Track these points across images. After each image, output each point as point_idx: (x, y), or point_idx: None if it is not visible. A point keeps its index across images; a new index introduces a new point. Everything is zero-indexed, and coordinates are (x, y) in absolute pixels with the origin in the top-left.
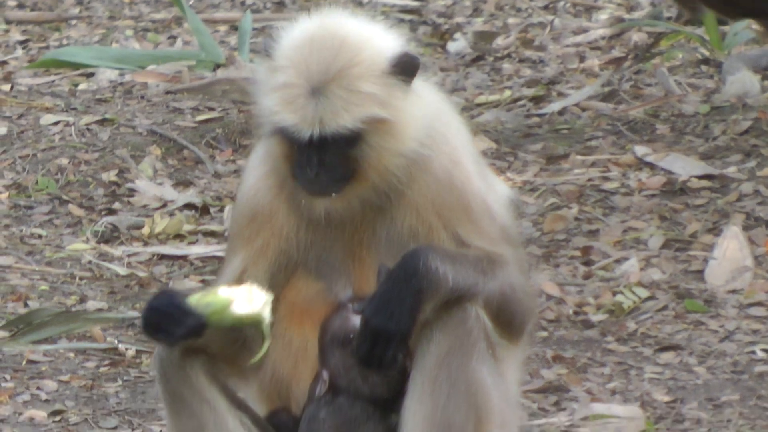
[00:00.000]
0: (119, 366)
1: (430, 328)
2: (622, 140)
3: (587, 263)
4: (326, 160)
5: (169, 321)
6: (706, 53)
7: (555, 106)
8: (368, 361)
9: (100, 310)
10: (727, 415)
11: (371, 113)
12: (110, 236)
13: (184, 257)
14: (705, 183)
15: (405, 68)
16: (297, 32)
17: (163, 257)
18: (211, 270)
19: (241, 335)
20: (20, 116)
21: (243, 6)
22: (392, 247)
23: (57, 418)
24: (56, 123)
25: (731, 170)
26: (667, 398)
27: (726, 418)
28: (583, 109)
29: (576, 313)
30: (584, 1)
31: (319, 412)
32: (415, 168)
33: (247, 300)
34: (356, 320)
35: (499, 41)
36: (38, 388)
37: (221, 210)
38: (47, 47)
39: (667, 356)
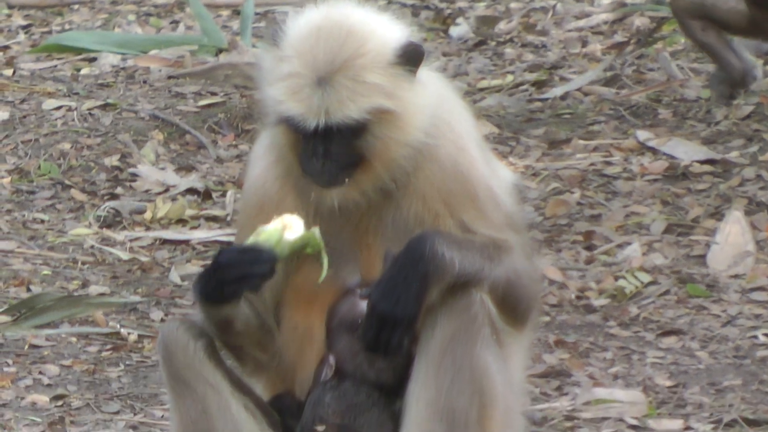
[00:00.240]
0: (121, 350)
1: (435, 314)
2: (624, 125)
3: (589, 248)
4: (332, 150)
5: (245, 267)
6: None
7: (557, 90)
8: (374, 346)
9: (102, 294)
10: (729, 399)
11: (377, 104)
12: (112, 221)
13: (186, 242)
14: (707, 168)
15: (410, 58)
16: (303, 22)
17: (165, 242)
18: (213, 255)
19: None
20: (23, 101)
21: None
22: (399, 233)
23: (59, 403)
24: (58, 108)
25: (733, 155)
26: (669, 383)
27: (728, 403)
28: (586, 94)
29: (578, 297)
30: None
31: (324, 396)
32: (421, 156)
33: (288, 227)
34: (364, 305)
35: (502, 26)
36: (40, 373)
37: (223, 195)
38: (50, 32)
39: (669, 341)
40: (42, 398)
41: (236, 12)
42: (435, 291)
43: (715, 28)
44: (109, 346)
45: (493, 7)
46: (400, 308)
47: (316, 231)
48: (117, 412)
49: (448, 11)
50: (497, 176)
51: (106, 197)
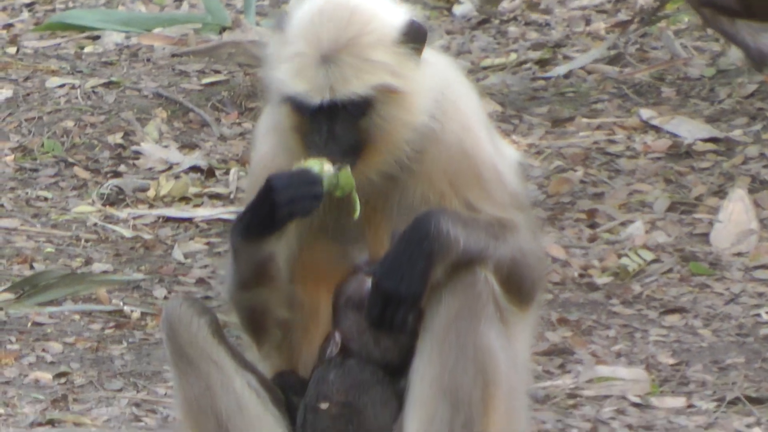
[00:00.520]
0: (124, 328)
1: (439, 291)
2: (627, 103)
3: (592, 226)
4: (336, 130)
5: (301, 188)
6: None
7: (561, 69)
8: (379, 324)
9: (105, 272)
10: (732, 377)
11: (382, 81)
12: (116, 199)
13: (189, 220)
14: (710, 146)
15: (414, 38)
16: (307, 4)
17: (168, 220)
18: (216, 232)
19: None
20: (26, 79)
21: None
22: (405, 213)
23: (62, 380)
24: (62, 86)
25: (737, 133)
26: (672, 361)
27: (731, 381)
28: (589, 72)
29: (581, 275)
30: None
31: (328, 373)
32: (426, 137)
33: (324, 165)
34: (370, 283)
35: (505, 4)
36: (43, 350)
37: (227, 173)
38: (53, 10)
39: (672, 319)
40: (45, 376)
41: None
42: (440, 269)
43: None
44: (112, 324)
45: None
46: (404, 286)
47: (347, 169)
48: (120, 390)
49: None
50: (502, 155)
51: (109, 175)
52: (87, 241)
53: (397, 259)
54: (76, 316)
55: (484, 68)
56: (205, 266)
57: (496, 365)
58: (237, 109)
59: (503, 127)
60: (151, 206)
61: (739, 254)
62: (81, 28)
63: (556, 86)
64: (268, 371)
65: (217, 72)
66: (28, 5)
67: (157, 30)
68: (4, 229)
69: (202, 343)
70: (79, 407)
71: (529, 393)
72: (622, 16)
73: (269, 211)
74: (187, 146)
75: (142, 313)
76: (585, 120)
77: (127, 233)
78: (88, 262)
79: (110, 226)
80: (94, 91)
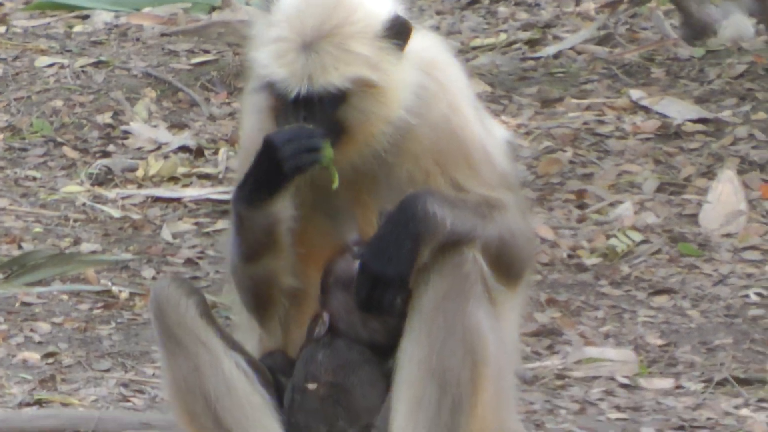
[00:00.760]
0: (113, 308)
1: (427, 272)
2: (617, 84)
3: (581, 207)
4: (313, 117)
5: (303, 141)
6: None
7: (550, 49)
8: (367, 305)
9: (93, 252)
10: (720, 358)
11: (360, 74)
12: (104, 179)
13: (178, 200)
14: (699, 127)
15: (398, 32)
16: None
17: (157, 200)
18: (205, 212)
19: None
20: (15, 58)
21: None
22: (393, 192)
23: (50, 360)
24: (51, 65)
25: (726, 114)
26: (660, 342)
27: (719, 362)
28: (579, 53)
29: (570, 256)
30: None
31: (317, 353)
32: (411, 120)
33: None
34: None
35: None
36: (32, 330)
37: (216, 153)
38: None
39: (660, 300)
40: (33, 356)
41: None
42: (427, 250)
43: None
44: (100, 304)
45: None
46: (391, 267)
47: (327, 141)
48: (108, 370)
49: None
50: (491, 135)
51: (98, 155)
52: (75, 221)
53: (383, 240)
54: (65, 296)
55: (474, 48)
56: (194, 246)
57: (485, 346)
58: (226, 89)
59: (493, 107)
60: (140, 186)
61: (727, 235)
62: (70, 8)
63: (546, 66)
64: (256, 352)
65: (207, 52)
66: None
67: (146, 9)
68: None
69: (191, 324)
70: (67, 387)
71: (517, 374)
72: None
73: (275, 168)
74: (176, 126)
75: (131, 294)
76: (574, 100)
77: (116, 213)
78: (77, 242)
79: (99, 206)
80: (83, 71)
